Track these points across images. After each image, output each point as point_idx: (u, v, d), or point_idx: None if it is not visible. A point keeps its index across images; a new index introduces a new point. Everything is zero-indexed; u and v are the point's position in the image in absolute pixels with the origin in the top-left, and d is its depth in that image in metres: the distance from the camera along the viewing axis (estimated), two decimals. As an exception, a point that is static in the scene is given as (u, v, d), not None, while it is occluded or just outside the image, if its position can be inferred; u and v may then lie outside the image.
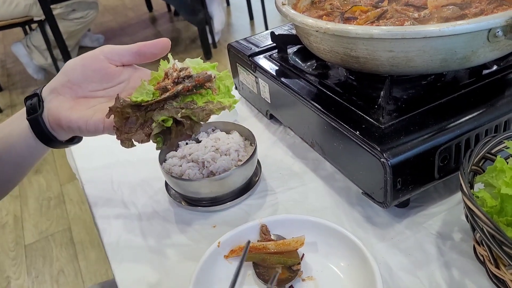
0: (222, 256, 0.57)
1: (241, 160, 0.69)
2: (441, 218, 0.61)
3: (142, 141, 0.53)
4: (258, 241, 0.58)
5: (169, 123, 0.53)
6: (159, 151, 0.70)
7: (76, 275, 1.79)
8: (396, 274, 0.55)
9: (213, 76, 0.54)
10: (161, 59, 0.57)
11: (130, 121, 0.53)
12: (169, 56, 0.57)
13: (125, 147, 0.53)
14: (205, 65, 0.56)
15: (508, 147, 0.53)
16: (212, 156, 0.67)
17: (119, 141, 0.54)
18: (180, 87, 0.53)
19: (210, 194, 0.67)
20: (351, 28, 0.57)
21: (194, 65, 0.56)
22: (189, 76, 0.53)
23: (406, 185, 0.57)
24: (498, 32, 0.55)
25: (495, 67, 0.68)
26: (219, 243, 0.57)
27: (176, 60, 0.56)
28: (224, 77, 0.56)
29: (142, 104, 0.53)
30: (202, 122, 0.54)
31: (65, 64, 0.58)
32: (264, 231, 0.58)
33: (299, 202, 0.68)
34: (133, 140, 0.53)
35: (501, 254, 0.44)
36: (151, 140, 0.53)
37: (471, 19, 0.54)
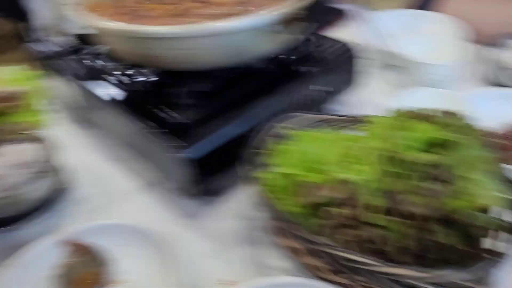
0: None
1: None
2: (244, 201, 0.65)
3: None
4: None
5: None
6: None
7: None
8: (200, 260, 0.58)
9: (17, 94, 0.46)
10: None
11: None
12: None
13: None
14: (18, 75, 0.47)
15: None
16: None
17: None
18: None
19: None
20: (132, 28, 0.58)
21: (6, 75, 0.47)
22: None
23: (211, 175, 0.61)
24: (273, 26, 0.60)
25: (284, 60, 0.74)
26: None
27: None
28: (34, 93, 0.48)
29: None
30: None
31: None
32: (74, 246, 0.55)
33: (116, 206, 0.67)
34: None
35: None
36: None
37: (245, 15, 0.58)
